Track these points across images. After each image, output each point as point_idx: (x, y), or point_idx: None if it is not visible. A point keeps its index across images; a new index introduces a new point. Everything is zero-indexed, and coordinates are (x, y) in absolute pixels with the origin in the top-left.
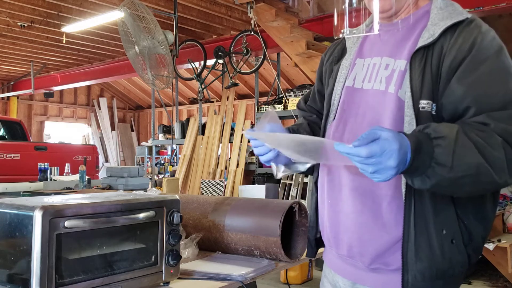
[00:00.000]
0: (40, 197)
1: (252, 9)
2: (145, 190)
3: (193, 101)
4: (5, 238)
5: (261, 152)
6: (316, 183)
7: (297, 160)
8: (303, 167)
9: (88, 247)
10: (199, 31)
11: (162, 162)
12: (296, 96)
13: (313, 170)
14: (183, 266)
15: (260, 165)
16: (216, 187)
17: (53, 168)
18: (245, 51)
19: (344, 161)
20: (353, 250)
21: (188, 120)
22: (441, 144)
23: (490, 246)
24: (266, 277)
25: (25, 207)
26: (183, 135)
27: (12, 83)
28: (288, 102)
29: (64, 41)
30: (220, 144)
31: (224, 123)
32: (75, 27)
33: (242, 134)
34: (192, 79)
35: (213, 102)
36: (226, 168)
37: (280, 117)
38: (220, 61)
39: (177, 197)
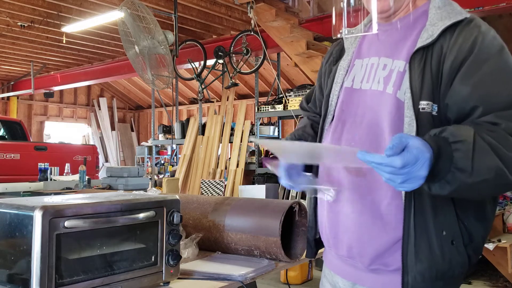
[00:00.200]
0: (40, 197)
1: (252, 9)
2: (145, 190)
3: (193, 101)
4: (5, 238)
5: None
6: None
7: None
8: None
9: (88, 247)
10: (199, 31)
11: (162, 162)
12: (296, 96)
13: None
14: (183, 266)
15: (260, 165)
16: (216, 187)
17: (53, 168)
18: (245, 51)
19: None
20: (352, 251)
21: (188, 120)
22: (460, 149)
23: (490, 246)
24: (266, 277)
25: (25, 207)
26: (183, 135)
27: (12, 83)
28: (288, 102)
29: (64, 41)
30: (220, 144)
31: (224, 123)
32: (75, 27)
33: (242, 134)
34: (192, 79)
35: (213, 102)
36: (226, 168)
37: (280, 117)
38: (220, 61)
39: (177, 197)
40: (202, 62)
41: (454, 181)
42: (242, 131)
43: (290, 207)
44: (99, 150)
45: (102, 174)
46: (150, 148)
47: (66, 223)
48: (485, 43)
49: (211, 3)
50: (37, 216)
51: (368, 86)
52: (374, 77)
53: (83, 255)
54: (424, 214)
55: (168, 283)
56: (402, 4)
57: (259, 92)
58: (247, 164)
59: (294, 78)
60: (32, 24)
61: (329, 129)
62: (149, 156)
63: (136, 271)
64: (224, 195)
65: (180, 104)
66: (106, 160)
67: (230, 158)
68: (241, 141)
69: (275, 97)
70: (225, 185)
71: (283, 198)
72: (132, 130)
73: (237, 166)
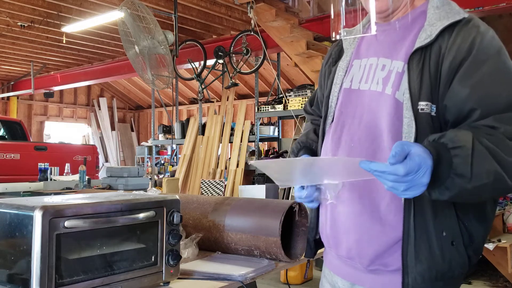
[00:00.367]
0: (40, 197)
1: (252, 9)
2: (145, 190)
3: (193, 101)
4: (5, 238)
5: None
6: None
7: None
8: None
9: (88, 247)
10: (199, 31)
11: (162, 162)
12: (296, 96)
13: None
14: (183, 266)
15: None
16: (216, 187)
17: (53, 168)
18: (245, 51)
19: (356, 177)
20: (352, 252)
21: (188, 120)
22: (459, 154)
23: (490, 246)
24: (266, 277)
25: (25, 207)
26: (183, 135)
27: (12, 83)
28: (288, 102)
29: (64, 41)
30: (220, 144)
31: (224, 123)
32: (75, 27)
33: (242, 134)
34: (192, 79)
35: (213, 102)
36: (226, 168)
37: (280, 117)
38: (220, 61)
39: (177, 197)
40: (202, 62)
41: (454, 186)
42: (242, 131)
43: (290, 207)
44: (99, 150)
45: (102, 174)
46: (150, 148)
47: (66, 223)
48: (483, 43)
49: (211, 3)
50: (37, 216)
51: (367, 87)
52: (373, 78)
53: (83, 255)
54: (424, 215)
55: (168, 283)
56: (401, 4)
57: (259, 92)
58: (247, 164)
59: (294, 78)
60: (32, 24)
61: (329, 130)
62: (149, 156)
63: (136, 271)
64: (224, 195)
65: (180, 104)
66: (106, 160)
67: (230, 158)
68: (241, 141)
69: (275, 97)
70: (225, 185)
71: (283, 198)
72: (132, 130)
73: (237, 166)
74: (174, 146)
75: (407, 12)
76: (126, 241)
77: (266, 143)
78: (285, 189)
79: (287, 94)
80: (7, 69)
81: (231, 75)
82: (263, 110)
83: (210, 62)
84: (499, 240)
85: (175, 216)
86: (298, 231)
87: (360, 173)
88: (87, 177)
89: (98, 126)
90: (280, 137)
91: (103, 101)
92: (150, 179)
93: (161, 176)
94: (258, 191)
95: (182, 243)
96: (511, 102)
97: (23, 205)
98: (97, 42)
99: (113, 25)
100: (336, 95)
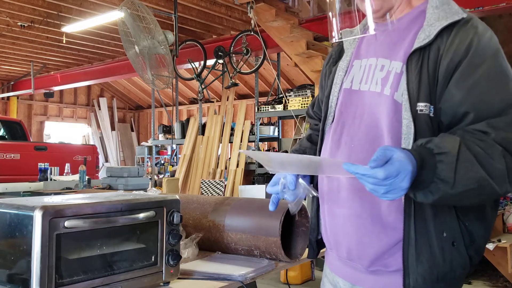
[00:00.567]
0: (40, 197)
1: (252, 9)
2: (145, 190)
3: (193, 101)
4: (5, 238)
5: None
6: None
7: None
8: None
9: (88, 247)
10: (199, 31)
11: (162, 162)
12: (296, 96)
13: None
14: (183, 266)
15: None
16: (216, 187)
17: (53, 168)
18: (245, 51)
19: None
20: (352, 253)
21: (188, 120)
22: (444, 160)
23: (490, 246)
24: (266, 277)
25: (25, 207)
26: (183, 135)
27: (12, 83)
28: (288, 102)
29: (64, 41)
30: (220, 144)
31: (224, 123)
32: (75, 27)
33: (242, 134)
34: (192, 79)
35: (213, 102)
36: (226, 168)
37: (280, 117)
38: (220, 61)
39: (177, 197)
40: (202, 62)
41: (437, 191)
42: (242, 131)
43: None
44: (99, 150)
45: (102, 174)
46: (150, 148)
47: (66, 223)
48: (481, 45)
49: (211, 3)
50: (37, 216)
51: (366, 87)
52: (372, 78)
53: (83, 255)
54: (424, 216)
55: (168, 283)
56: (394, 3)
57: (259, 92)
58: (247, 164)
59: (294, 78)
60: (32, 24)
61: (329, 130)
62: (149, 156)
63: (136, 271)
64: (224, 195)
65: (180, 104)
66: (106, 160)
67: (230, 158)
68: (241, 141)
69: (275, 97)
70: (225, 185)
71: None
72: (132, 130)
73: (237, 166)
74: (174, 146)
75: (406, 11)
76: (126, 241)
77: (266, 143)
78: None
79: (287, 94)
80: (7, 69)
81: (231, 75)
82: (263, 110)
83: (210, 62)
84: (499, 240)
85: (175, 216)
86: (298, 231)
87: (345, 172)
88: (87, 177)
89: (98, 126)
90: (280, 137)
91: (103, 101)
92: (150, 179)
93: (161, 176)
94: (258, 191)
95: (182, 243)
96: (504, 106)
97: (23, 205)
98: (97, 42)
99: (113, 25)
100: (336, 95)
